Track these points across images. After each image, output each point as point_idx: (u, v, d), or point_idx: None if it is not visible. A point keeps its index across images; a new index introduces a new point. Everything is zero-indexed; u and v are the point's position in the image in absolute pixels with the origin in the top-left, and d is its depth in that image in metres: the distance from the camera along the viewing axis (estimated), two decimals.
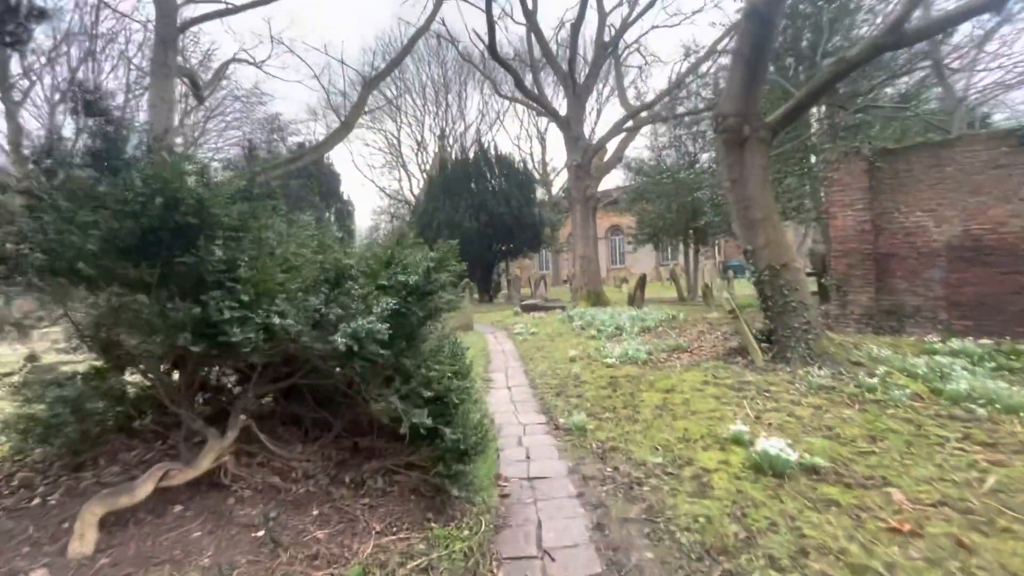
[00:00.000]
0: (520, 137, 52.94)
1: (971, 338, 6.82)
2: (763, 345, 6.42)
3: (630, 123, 15.79)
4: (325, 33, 61.70)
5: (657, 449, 4.04)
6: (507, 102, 38.34)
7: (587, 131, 15.78)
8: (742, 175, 6.44)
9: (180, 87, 21.60)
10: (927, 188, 7.39)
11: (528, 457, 4.22)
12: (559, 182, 41.52)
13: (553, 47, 17.65)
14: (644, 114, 15.77)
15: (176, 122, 22.92)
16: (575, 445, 4.37)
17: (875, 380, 5.09)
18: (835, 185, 7.98)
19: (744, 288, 20.20)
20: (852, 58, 5.77)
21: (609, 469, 3.79)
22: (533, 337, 10.09)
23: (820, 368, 5.62)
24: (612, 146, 18.62)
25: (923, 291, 7.46)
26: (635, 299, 12.10)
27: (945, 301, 7.33)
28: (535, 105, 16.48)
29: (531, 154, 38.89)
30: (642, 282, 12.37)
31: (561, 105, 15.17)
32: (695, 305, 16.82)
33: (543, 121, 44.95)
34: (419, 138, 33.36)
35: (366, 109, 21.08)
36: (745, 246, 6.67)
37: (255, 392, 3.41)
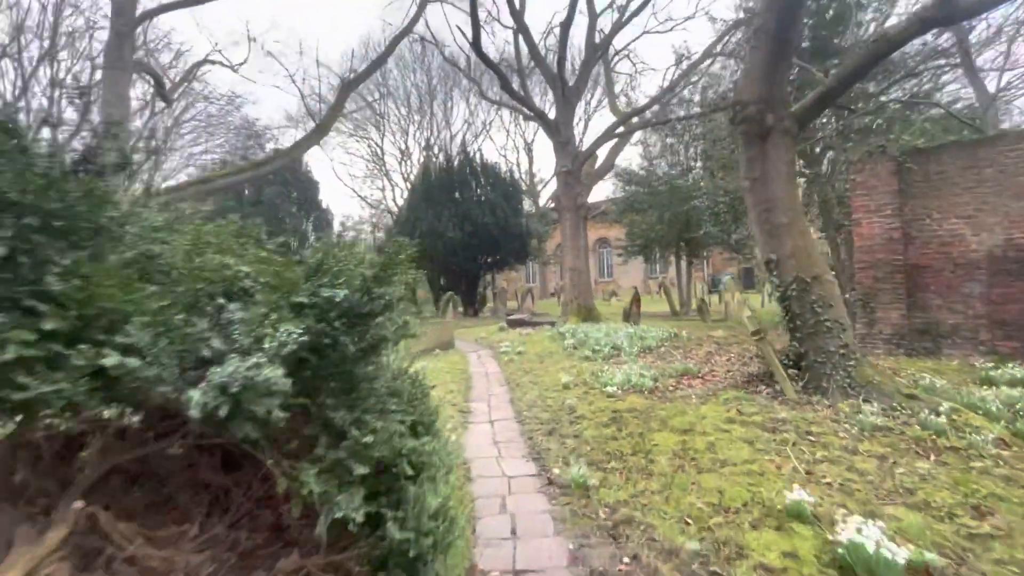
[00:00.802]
0: (507, 147, 52.41)
1: (1019, 362, 5.97)
2: (791, 372, 5.46)
3: (621, 129, 15.00)
4: (307, 40, 60.83)
5: (687, 523, 3.00)
6: (493, 111, 37.74)
7: (576, 140, 14.97)
8: (764, 172, 5.53)
9: (145, 87, 20.38)
10: (963, 192, 6.60)
11: (514, 532, 3.15)
12: (546, 193, 40.85)
13: (541, 51, 16.92)
14: (636, 120, 15.00)
15: (139, 123, 21.61)
16: (576, 512, 3.31)
17: (941, 419, 4.13)
18: (859, 188, 7.16)
19: (733, 301, 19.67)
20: (895, 35, 4.92)
21: (627, 559, 2.73)
22: (520, 357, 9.04)
23: (866, 402, 4.66)
24: (603, 153, 17.86)
25: (961, 308, 6.62)
26: (631, 314, 11.15)
27: (987, 319, 6.49)
28: (523, 109, 15.63)
29: (518, 164, 38.14)
30: (638, 297, 11.43)
31: (549, 109, 14.32)
32: (691, 320, 15.95)
33: (530, 131, 44.41)
34: (403, 147, 32.44)
35: (344, 112, 20.08)
36: (767, 255, 5.73)
37: (104, 462, 2.30)
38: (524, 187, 31.12)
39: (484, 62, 12.88)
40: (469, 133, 34.02)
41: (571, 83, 14.09)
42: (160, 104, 20.79)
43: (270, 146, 26.51)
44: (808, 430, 4.24)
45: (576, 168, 13.72)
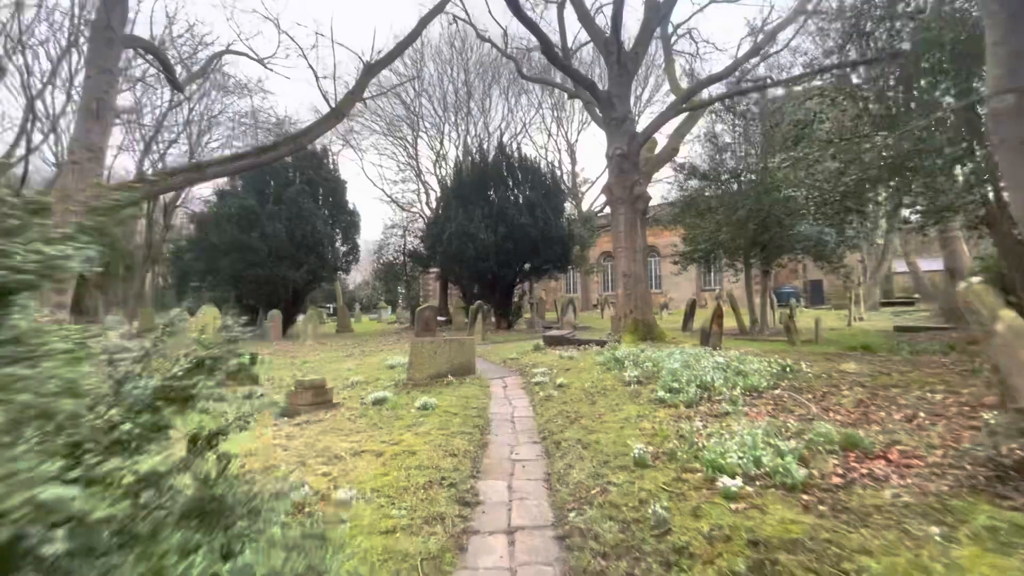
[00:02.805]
0: (547, 148, 49.87)
1: None
2: None
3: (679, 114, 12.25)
4: (339, 27, 60.49)
5: None
6: (533, 110, 35.56)
7: (634, 118, 12.25)
8: None
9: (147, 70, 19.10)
10: None
11: None
12: (591, 196, 38.26)
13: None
14: (705, 95, 12.21)
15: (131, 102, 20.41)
16: None
17: None
18: None
19: (806, 318, 16.04)
20: None
21: None
22: (561, 393, 6.46)
23: None
24: (661, 140, 15.11)
25: None
26: (710, 334, 8.34)
27: None
28: (567, 86, 13.18)
29: (559, 165, 35.64)
30: (720, 311, 8.60)
31: (600, 79, 11.73)
32: (773, 341, 12.87)
33: (573, 131, 41.98)
34: (438, 148, 30.61)
35: (364, 98, 18.19)
36: None
37: None
38: (566, 189, 28.55)
39: (524, 23, 10.52)
40: (507, 134, 31.86)
41: (629, 48, 11.49)
42: (178, 96, 19.66)
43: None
44: None
45: (633, 150, 11.09)
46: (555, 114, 35.84)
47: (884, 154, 7.64)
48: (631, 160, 11.08)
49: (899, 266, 32.21)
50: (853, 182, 8.26)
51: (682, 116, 13.36)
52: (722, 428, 4.29)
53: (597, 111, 15.97)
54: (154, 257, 29.12)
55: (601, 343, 10.08)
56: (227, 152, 24.54)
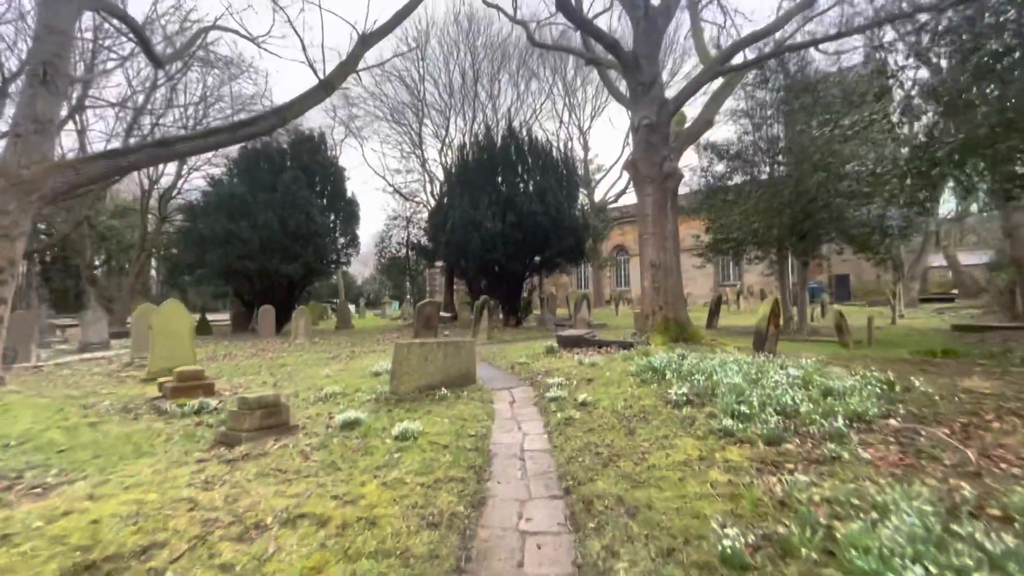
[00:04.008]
0: (558, 135, 48.19)
1: None
2: None
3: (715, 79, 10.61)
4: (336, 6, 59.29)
5: None
6: (544, 97, 33.90)
7: (663, 84, 10.50)
8: None
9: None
10: None
11: None
12: (604, 185, 36.64)
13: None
14: (741, 58, 10.54)
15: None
16: None
17: None
18: None
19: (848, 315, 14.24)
20: None
21: None
22: (586, 414, 4.95)
23: None
24: (689, 116, 13.47)
25: None
26: (766, 337, 6.73)
27: None
28: (583, 51, 11.59)
29: (571, 154, 33.98)
30: (776, 310, 6.98)
31: (624, 39, 10.12)
32: (819, 342, 11.25)
33: (585, 117, 40.19)
34: (444, 135, 29.09)
35: (358, 70, 16.71)
36: None
37: None
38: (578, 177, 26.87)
39: None
40: (517, 120, 30.27)
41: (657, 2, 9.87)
42: (161, 74, 18.30)
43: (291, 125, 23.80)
44: None
45: (663, 120, 9.50)
46: (567, 100, 34.18)
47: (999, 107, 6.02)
48: (660, 132, 9.49)
49: (934, 260, 30.15)
50: (956, 144, 6.60)
51: (717, 83, 11.73)
52: (843, 487, 2.77)
53: (616, 83, 14.39)
54: (148, 250, 28.02)
55: (626, 345, 8.55)
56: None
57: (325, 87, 13.16)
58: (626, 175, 53.47)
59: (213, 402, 6.30)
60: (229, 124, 11.91)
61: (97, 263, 34.31)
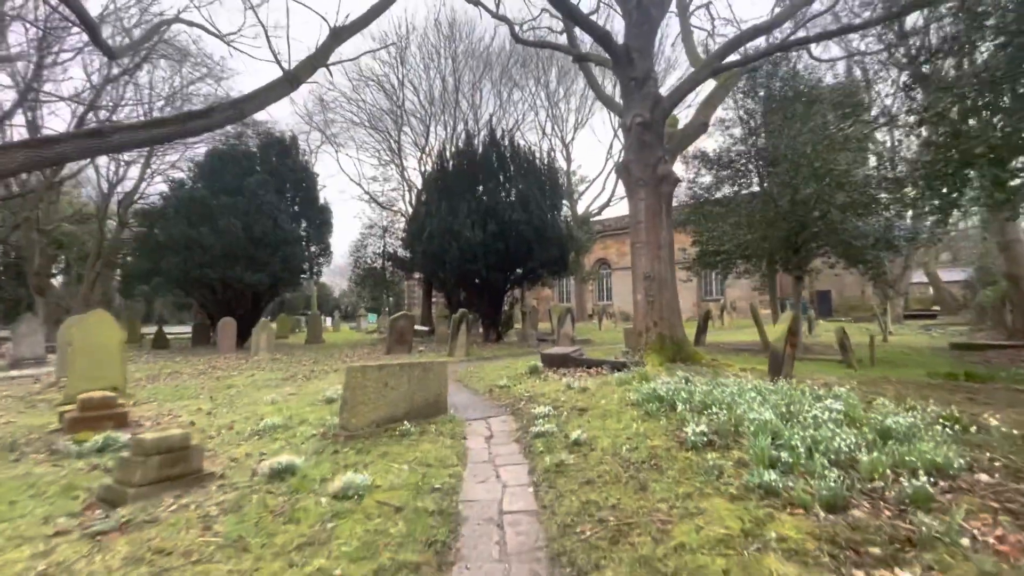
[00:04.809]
0: (540, 147, 47.76)
1: None
2: None
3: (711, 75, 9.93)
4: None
5: None
6: (526, 107, 33.35)
7: (657, 81, 9.73)
8: None
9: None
10: None
11: None
12: (589, 196, 36.11)
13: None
14: (745, 51, 9.87)
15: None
16: None
17: None
18: None
19: (829, 332, 13.54)
20: None
21: None
22: (581, 457, 3.97)
23: None
24: (681, 118, 12.81)
25: None
26: (783, 359, 5.86)
27: None
28: (570, 47, 10.84)
29: (554, 162, 33.45)
30: (794, 329, 6.12)
31: (614, 36, 9.36)
32: (820, 361, 10.52)
33: (568, 130, 39.77)
34: (423, 143, 28.18)
35: (328, 64, 15.76)
36: None
37: None
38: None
39: None
40: (499, 130, 29.58)
41: None
42: (116, 68, 16.99)
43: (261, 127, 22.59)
44: None
45: (658, 117, 8.73)
46: (550, 112, 33.73)
47: None
48: (655, 131, 8.71)
49: (914, 277, 30.28)
50: (1001, 133, 5.89)
51: (709, 86, 11.08)
52: None
53: (603, 86, 13.71)
54: (106, 258, 26.23)
55: (619, 365, 7.63)
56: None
57: (291, 80, 12.04)
58: (608, 187, 52.93)
59: (123, 437, 5.13)
60: (177, 115, 10.72)
61: (55, 271, 32.23)
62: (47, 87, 19.14)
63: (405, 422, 4.92)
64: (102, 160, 26.20)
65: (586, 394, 5.88)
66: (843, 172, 10.51)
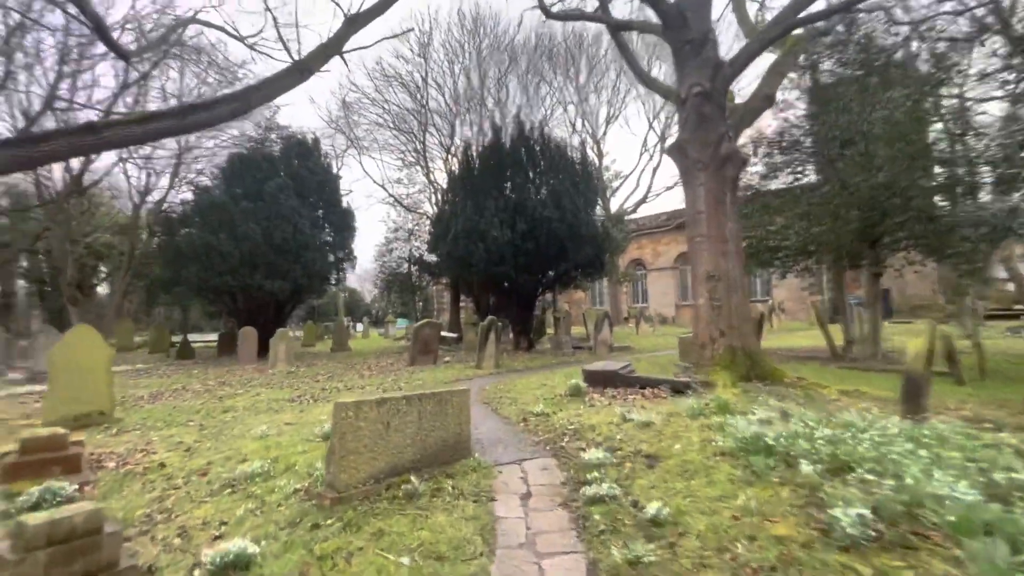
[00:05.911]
0: (570, 146, 46.28)
1: None
2: None
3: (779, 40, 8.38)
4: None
5: None
6: (553, 101, 31.97)
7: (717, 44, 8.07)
8: None
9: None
10: None
11: None
12: (623, 193, 34.50)
13: None
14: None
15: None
16: None
17: None
18: None
19: (899, 336, 11.58)
20: None
21: None
22: (669, 552, 2.63)
23: None
24: (740, 94, 11.22)
25: None
26: (921, 389, 4.32)
27: None
28: (602, 15, 9.50)
29: (587, 155, 31.98)
30: (952, 347, 4.59)
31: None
32: (895, 371, 8.77)
33: (600, 122, 38.22)
34: (448, 144, 27.19)
35: (343, 52, 14.85)
36: None
37: None
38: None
39: None
40: (527, 122, 28.35)
41: None
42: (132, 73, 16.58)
43: (287, 131, 22.06)
44: None
45: (719, 87, 7.28)
46: (579, 107, 32.30)
47: None
48: (716, 102, 7.25)
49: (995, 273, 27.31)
50: None
51: (767, 59, 9.52)
52: None
53: (642, 64, 12.24)
54: (137, 268, 26.30)
55: (681, 386, 6.22)
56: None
57: (301, 69, 11.01)
58: (644, 183, 50.90)
59: (69, 487, 4.07)
60: (176, 108, 9.90)
61: (95, 283, 32.83)
62: (79, 97, 18.98)
63: (413, 476, 3.67)
64: (133, 170, 26.34)
65: (651, 431, 4.51)
66: (926, 147, 8.80)
